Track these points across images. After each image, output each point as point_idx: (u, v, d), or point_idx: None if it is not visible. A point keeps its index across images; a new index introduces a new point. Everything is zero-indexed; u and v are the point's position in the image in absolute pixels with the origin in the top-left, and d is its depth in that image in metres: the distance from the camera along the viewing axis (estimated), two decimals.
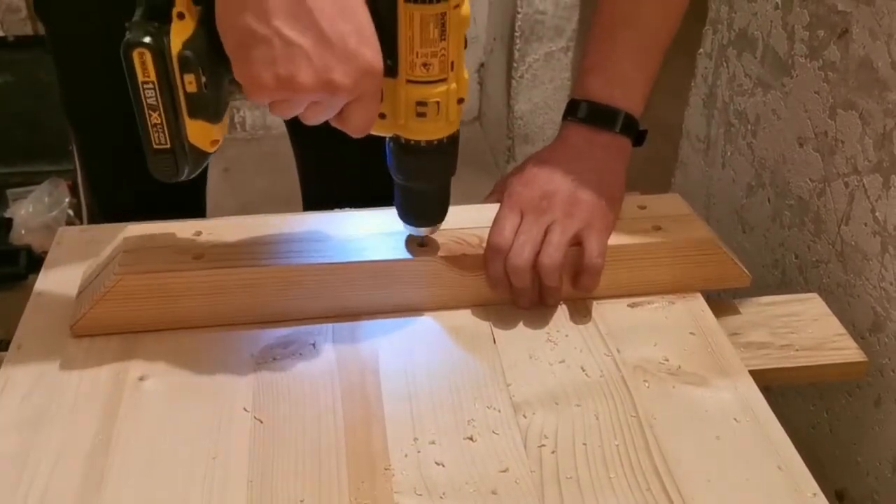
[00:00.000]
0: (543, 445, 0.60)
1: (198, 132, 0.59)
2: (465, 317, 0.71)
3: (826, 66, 0.88)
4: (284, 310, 0.70)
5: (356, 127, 0.60)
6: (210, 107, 0.59)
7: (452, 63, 0.60)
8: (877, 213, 0.82)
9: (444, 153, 0.65)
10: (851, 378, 0.84)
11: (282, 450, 0.59)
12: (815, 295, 0.80)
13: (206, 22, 0.56)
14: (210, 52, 0.56)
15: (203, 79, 0.57)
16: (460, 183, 0.83)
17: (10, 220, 1.81)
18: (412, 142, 0.63)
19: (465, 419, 0.61)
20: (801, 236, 0.96)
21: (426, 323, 0.71)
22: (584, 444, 0.60)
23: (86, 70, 0.89)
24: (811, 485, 0.57)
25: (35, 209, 1.79)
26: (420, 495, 0.56)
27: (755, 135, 1.04)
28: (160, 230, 0.71)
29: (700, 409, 0.63)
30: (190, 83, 0.57)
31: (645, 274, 0.73)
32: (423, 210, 0.69)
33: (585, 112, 0.74)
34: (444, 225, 0.72)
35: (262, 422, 0.61)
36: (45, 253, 0.78)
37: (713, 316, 0.72)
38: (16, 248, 1.75)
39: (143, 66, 0.56)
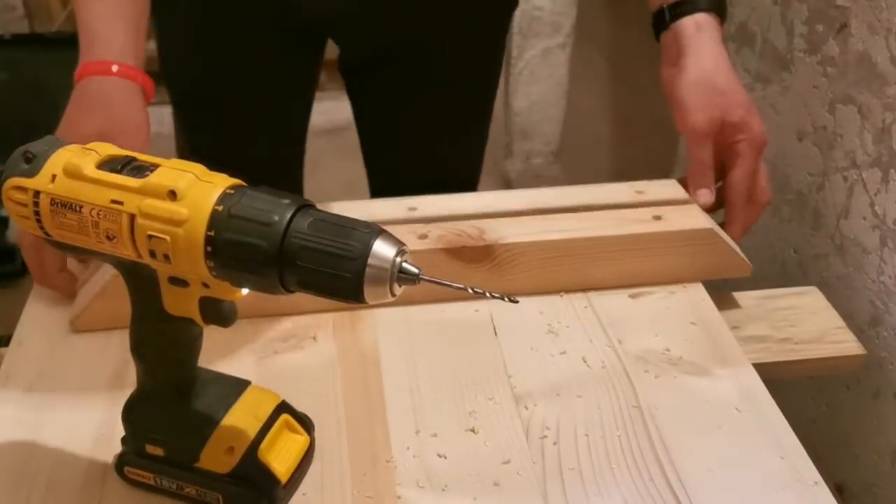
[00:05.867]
0: (545, 437, 0.60)
1: None
2: (465, 309, 0.71)
3: (825, 60, 0.88)
4: (284, 303, 0.69)
5: None
6: None
7: None
8: (876, 207, 0.82)
9: None
10: (850, 371, 0.84)
11: None
12: (814, 288, 0.80)
13: None
14: None
15: None
16: None
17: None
18: None
19: (467, 411, 0.62)
20: (800, 230, 0.96)
21: (427, 315, 0.71)
22: (586, 434, 0.60)
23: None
24: (812, 473, 0.57)
25: None
26: (422, 487, 0.56)
27: None
28: None
29: (701, 399, 0.63)
30: None
31: (645, 264, 0.73)
32: None
33: (707, 2, 0.75)
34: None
35: None
36: None
37: (714, 305, 0.72)
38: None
39: None
